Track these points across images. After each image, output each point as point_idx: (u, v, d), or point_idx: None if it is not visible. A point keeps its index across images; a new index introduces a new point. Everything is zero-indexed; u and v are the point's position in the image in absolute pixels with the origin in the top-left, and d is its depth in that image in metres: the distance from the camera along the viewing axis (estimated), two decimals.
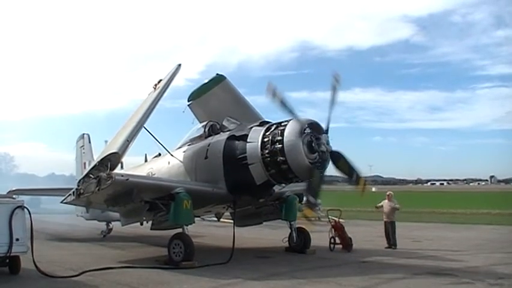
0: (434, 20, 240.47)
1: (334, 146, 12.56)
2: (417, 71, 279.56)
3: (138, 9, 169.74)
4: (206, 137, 14.30)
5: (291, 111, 12.09)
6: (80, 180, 13.08)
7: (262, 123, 13.43)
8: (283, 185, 13.83)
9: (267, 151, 12.39)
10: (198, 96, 15.66)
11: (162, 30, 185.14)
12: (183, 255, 11.99)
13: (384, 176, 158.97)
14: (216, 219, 19.70)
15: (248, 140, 12.88)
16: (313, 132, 12.29)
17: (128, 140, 12.16)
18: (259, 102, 15.31)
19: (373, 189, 54.07)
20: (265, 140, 12.53)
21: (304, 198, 16.42)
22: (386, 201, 16.73)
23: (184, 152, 14.63)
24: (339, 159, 12.66)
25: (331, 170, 12.88)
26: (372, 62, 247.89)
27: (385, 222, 16.60)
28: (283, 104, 11.98)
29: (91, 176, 12.47)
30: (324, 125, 12.41)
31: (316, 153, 12.15)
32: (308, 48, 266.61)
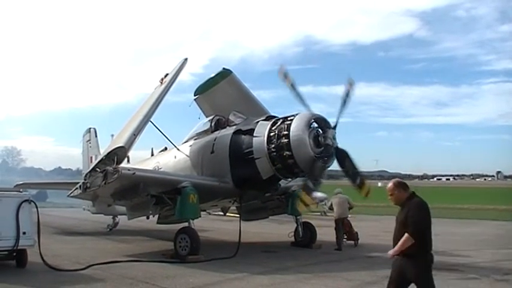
0: (438, 15, 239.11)
1: (340, 140, 12.55)
2: (422, 66, 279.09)
3: (142, 5, 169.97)
4: (212, 132, 14.29)
5: (299, 96, 12.37)
6: (86, 174, 13.13)
7: (269, 118, 13.43)
8: (289, 179, 13.83)
9: (273, 145, 12.39)
10: (205, 90, 15.60)
11: (166, 25, 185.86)
12: (189, 249, 12.00)
13: (390, 171, 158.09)
14: (222, 213, 19.77)
15: (254, 135, 12.87)
16: (320, 126, 12.32)
17: (134, 134, 12.15)
18: (264, 96, 15.40)
19: (379, 184, 53.78)
20: (272, 134, 12.53)
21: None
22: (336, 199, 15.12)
23: (190, 146, 14.64)
24: (344, 159, 12.63)
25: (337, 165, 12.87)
26: (376, 56, 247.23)
27: (336, 220, 14.78)
28: (293, 88, 12.25)
29: (97, 169, 12.49)
30: (330, 120, 12.47)
31: (322, 147, 12.16)
32: (311, 43, 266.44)
